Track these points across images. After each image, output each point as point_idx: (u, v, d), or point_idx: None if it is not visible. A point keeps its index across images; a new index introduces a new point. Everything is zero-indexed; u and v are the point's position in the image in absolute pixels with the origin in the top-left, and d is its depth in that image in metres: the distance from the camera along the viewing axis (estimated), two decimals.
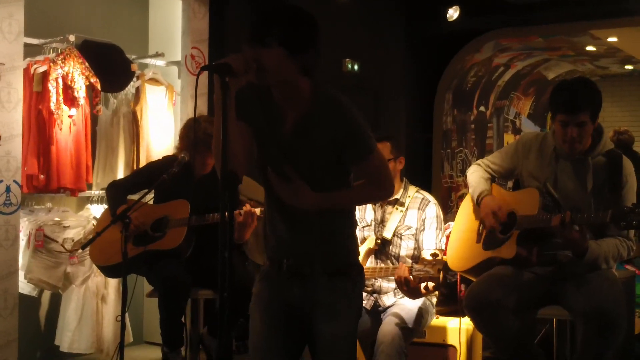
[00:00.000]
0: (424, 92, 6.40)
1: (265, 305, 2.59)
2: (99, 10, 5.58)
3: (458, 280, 4.25)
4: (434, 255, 3.40)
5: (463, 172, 6.41)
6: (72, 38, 4.84)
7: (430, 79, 6.40)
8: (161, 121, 5.42)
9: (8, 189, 4.38)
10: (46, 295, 5.18)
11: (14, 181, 4.42)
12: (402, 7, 6.10)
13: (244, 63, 2.29)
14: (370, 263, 3.73)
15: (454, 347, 4.12)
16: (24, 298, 4.74)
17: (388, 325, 3.54)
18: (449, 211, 6.26)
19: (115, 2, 5.71)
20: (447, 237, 3.80)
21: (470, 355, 4.17)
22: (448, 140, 6.60)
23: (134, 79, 5.33)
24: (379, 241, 3.72)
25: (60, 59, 4.74)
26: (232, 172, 2.24)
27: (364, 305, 3.59)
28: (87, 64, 4.87)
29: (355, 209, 2.72)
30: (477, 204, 3.54)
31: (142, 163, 5.17)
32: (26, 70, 4.64)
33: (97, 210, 5.06)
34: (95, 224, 4.80)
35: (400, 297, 3.67)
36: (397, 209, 3.75)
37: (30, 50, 4.73)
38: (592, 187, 3.31)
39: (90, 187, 5.14)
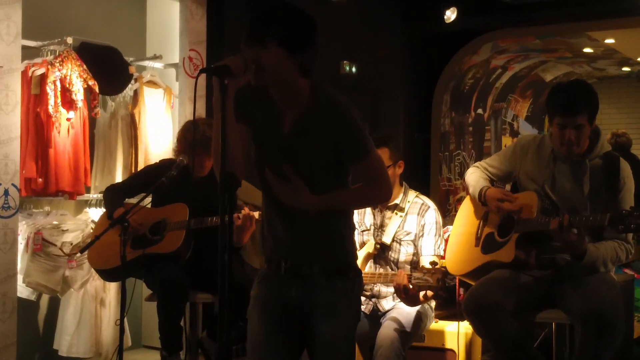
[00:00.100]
0: (422, 93, 6.40)
1: (264, 306, 2.59)
2: (96, 12, 5.57)
3: (457, 284, 4.24)
4: (433, 263, 3.39)
5: (461, 175, 6.40)
6: (69, 40, 4.83)
7: (429, 80, 6.39)
8: (159, 124, 5.40)
9: (6, 193, 4.37)
10: (45, 299, 5.17)
11: (12, 184, 4.41)
12: (399, 7, 6.10)
13: (242, 64, 2.30)
14: (369, 268, 3.72)
15: (452, 351, 4.12)
16: (22, 302, 4.73)
17: (387, 329, 3.53)
18: (447, 214, 6.25)
19: (113, 5, 5.70)
20: (446, 241, 3.80)
21: (469, 359, 4.17)
22: (446, 142, 6.59)
23: (132, 81, 5.32)
24: (378, 246, 3.71)
25: (58, 61, 4.72)
26: (232, 174, 2.24)
27: (362, 309, 3.58)
28: (85, 66, 4.85)
29: (353, 211, 2.71)
30: (481, 199, 3.52)
31: (141, 166, 5.15)
32: (24, 73, 4.62)
33: (96, 213, 5.05)
34: (93, 227, 4.80)
35: (399, 301, 3.65)
36: (396, 214, 3.73)
37: (28, 53, 4.71)
38: (589, 190, 3.32)
39: (88, 190, 5.12)
